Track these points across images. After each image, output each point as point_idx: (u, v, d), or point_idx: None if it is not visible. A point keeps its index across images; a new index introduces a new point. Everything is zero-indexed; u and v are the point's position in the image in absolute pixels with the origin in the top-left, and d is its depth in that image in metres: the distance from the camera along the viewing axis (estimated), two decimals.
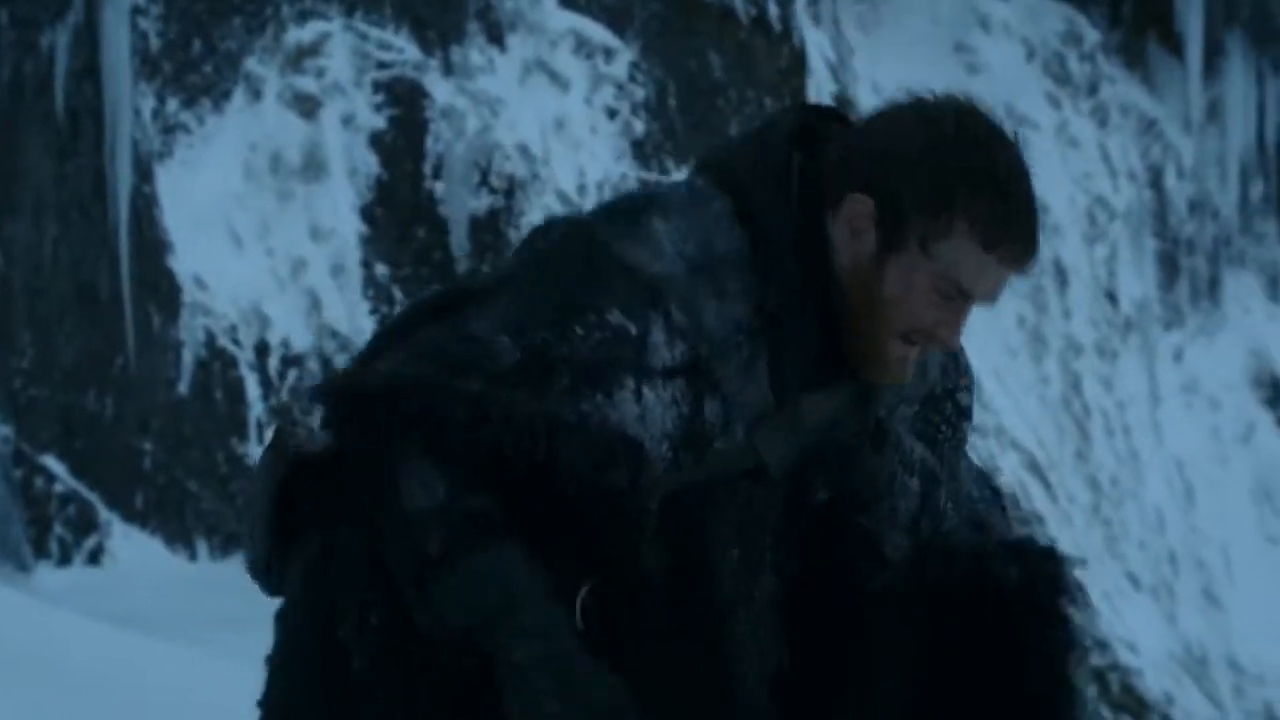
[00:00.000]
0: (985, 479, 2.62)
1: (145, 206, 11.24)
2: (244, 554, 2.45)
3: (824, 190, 2.38)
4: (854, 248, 2.37)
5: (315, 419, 2.32)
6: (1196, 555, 18.49)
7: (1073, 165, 17.74)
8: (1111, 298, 18.10)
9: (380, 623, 2.27)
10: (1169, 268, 19.28)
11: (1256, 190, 19.83)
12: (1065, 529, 15.44)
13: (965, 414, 2.55)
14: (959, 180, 2.34)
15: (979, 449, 12.92)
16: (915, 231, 2.35)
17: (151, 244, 11.28)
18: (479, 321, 2.31)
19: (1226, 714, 16.76)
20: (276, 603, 2.42)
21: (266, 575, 2.40)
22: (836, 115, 2.46)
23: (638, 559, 2.28)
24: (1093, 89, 18.00)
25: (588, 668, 2.25)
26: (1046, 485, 15.17)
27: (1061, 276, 17.27)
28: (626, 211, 2.38)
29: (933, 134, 2.35)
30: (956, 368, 2.55)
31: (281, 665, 2.36)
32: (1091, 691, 13.98)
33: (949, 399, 2.54)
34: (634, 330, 2.30)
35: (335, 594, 2.29)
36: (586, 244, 2.34)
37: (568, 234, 2.37)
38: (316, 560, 2.32)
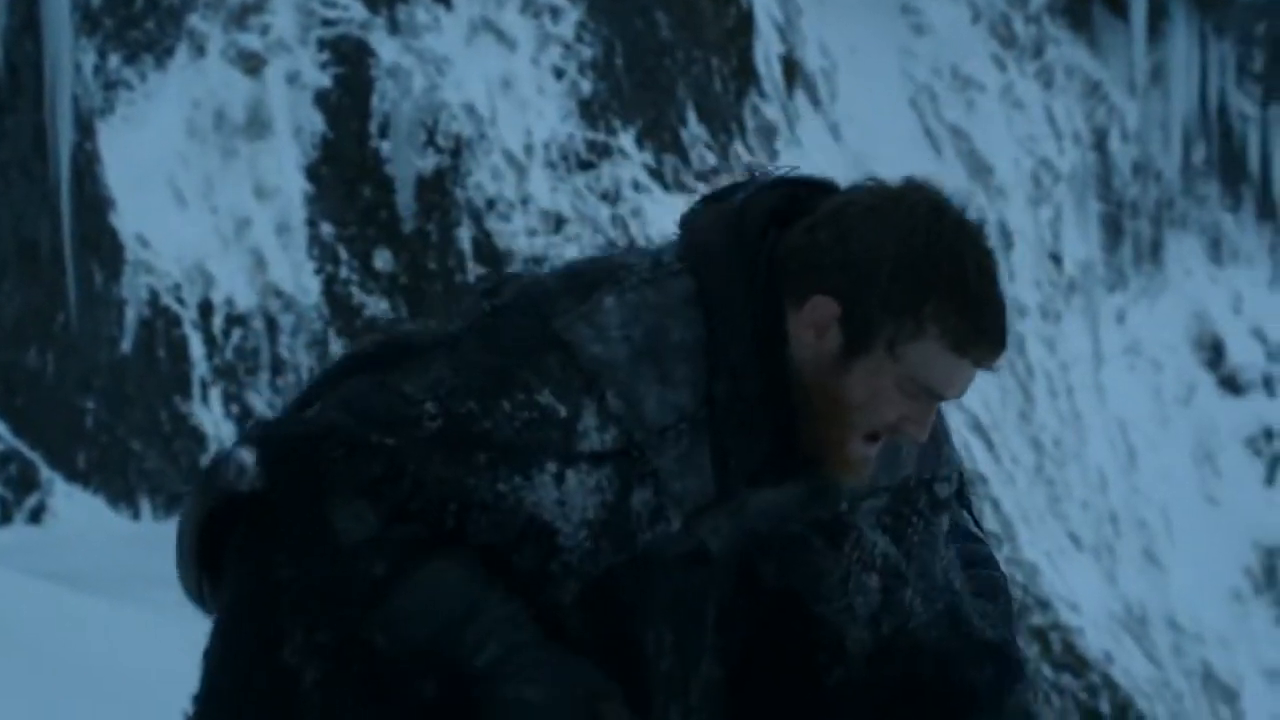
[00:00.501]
0: (981, 564, 2.50)
1: (87, 163, 11.17)
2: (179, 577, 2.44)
3: (788, 283, 2.33)
4: (817, 348, 2.33)
5: (245, 459, 2.31)
6: (1138, 515, 18.61)
7: (1018, 127, 17.79)
8: (1056, 259, 18.17)
9: (329, 640, 2.25)
10: (1112, 230, 19.36)
11: (1199, 153, 19.92)
12: (1008, 489, 15.52)
13: (942, 505, 2.46)
14: (930, 285, 2.31)
15: None
16: (883, 335, 2.32)
17: (93, 201, 11.21)
18: (410, 380, 2.29)
19: (1165, 672, 16.89)
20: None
21: (200, 602, 2.43)
22: (824, 188, 2.40)
23: (559, 635, 2.24)
24: (1038, 51, 18.04)
25: (562, 653, 2.24)
26: (990, 445, 15.24)
27: (1006, 239, 17.32)
28: (581, 284, 2.33)
29: (901, 237, 2.32)
30: (937, 457, 2.46)
31: (218, 696, 2.37)
32: (1033, 650, 14.07)
33: (924, 490, 2.45)
34: (563, 413, 2.26)
35: (276, 620, 2.28)
36: (530, 315, 2.30)
37: (515, 301, 2.33)
38: (252, 591, 2.32)
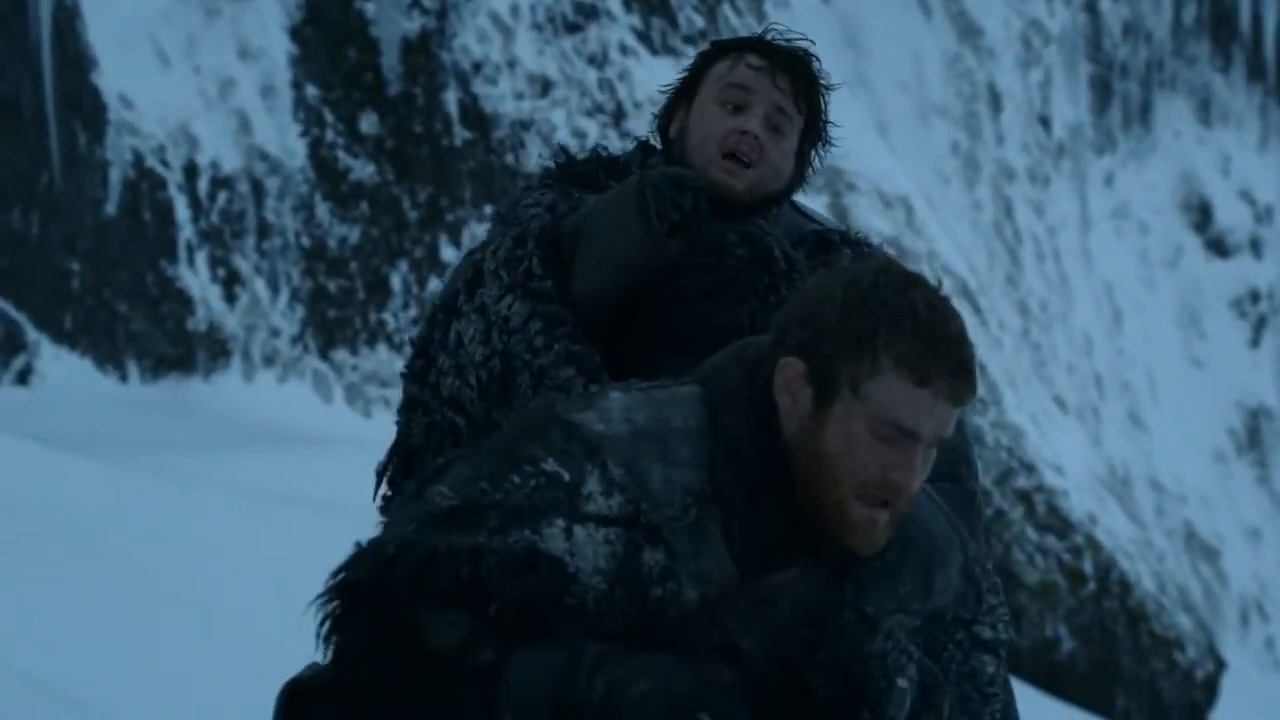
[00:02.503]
0: None
1: (67, 21, 11.07)
2: None
3: (765, 373, 2.41)
4: (794, 411, 2.38)
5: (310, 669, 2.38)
6: (1122, 378, 18.67)
7: None
8: (1044, 123, 18.10)
9: None
10: (1102, 92, 19.28)
11: (1189, 12, 19.80)
12: (994, 353, 15.56)
13: (984, 647, 2.50)
14: (879, 320, 2.36)
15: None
16: (844, 378, 2.36)
17: (75, 60, 11.12)
18: (432, 486, 2.40)
19: (1148, 533, 17.01)
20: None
21: None
22: None
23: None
24: None
25: (658, 656, 2.30)
26: (977, 310, 15.25)
27: (995, 101, 17.25)
28: (597, 390, 2.46)
29: (850, 286, 2.39)
30: (977, 600, 2.50)
31: None
32: (1017, 512, 14.16)
33: (962, 628, 2.49)
34: (568, 477, 2.34)
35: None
36: (538, 407, 2.43)
37: (534, 407, 2.46)
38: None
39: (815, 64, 3.04)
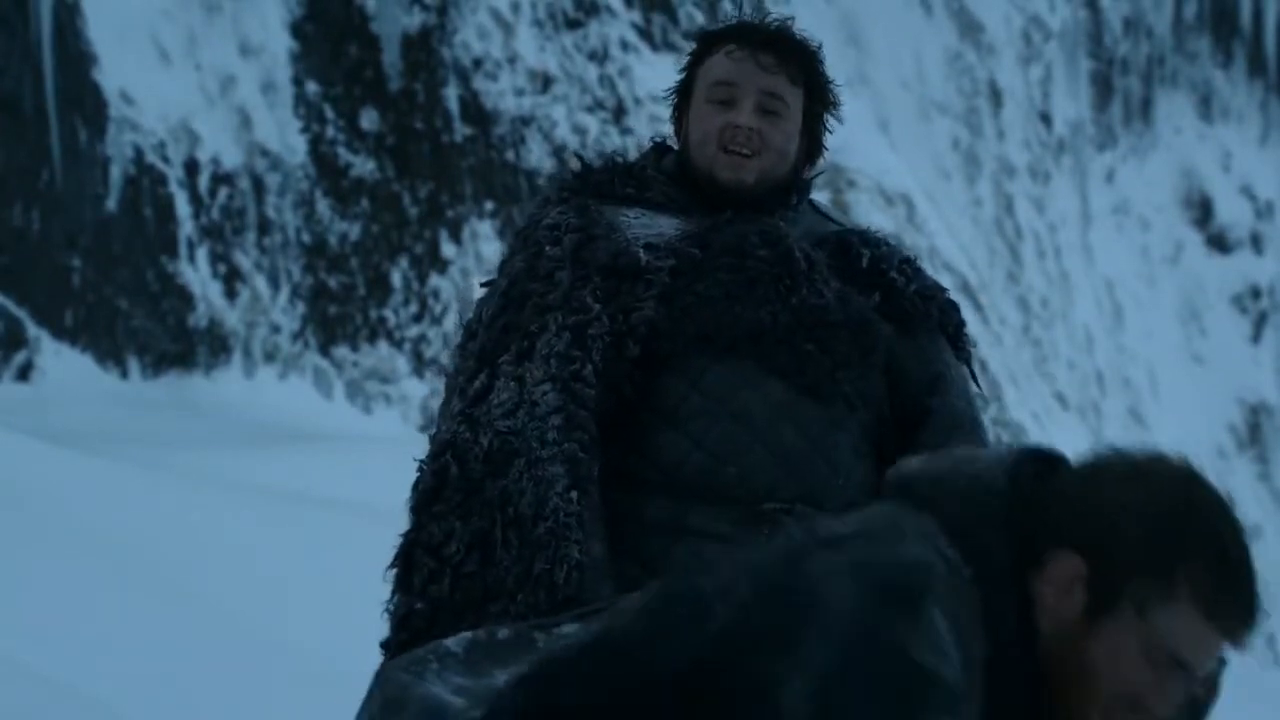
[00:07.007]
0: None
1: (68, 18, 11.08)
2: None
3: (1031, 548, 2.24)
4: (1059, 610, 2.24)
5: None
6: (1123, 374, 18.67)
7: None
8: (1045, 119, 18.10)
9: None
10: (1103, 88, 19.28)
11: (1190, 8, 19.80)
12: (995, 350, 15.57)
13: None
14: (1184, 544, 2.22)
15: None
16: (1132, 595, 2.22)
17: (76, 56, 11.13)
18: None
19: None
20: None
21: None
22: (1047, 459, 2.34)
23: None
24: None
25: None
26: (978, 307, 15.26)
27: (996, 98, 17.25)
28: (899, 589, 2.22)
29: (1155, 495, 2.23)
30: None
31: None
32: None
33: None
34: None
35: None
36: (895, 658, 2.20)
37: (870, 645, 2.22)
38: None
39: (797, 33, 3.03)
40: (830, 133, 3.07)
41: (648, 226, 3.01)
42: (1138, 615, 2.22)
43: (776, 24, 3.02)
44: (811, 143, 3.05)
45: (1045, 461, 2.33)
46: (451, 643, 2.51)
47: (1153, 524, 2.22)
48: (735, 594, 2.18)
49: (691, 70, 3.05)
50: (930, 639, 2.17)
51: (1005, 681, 2.21)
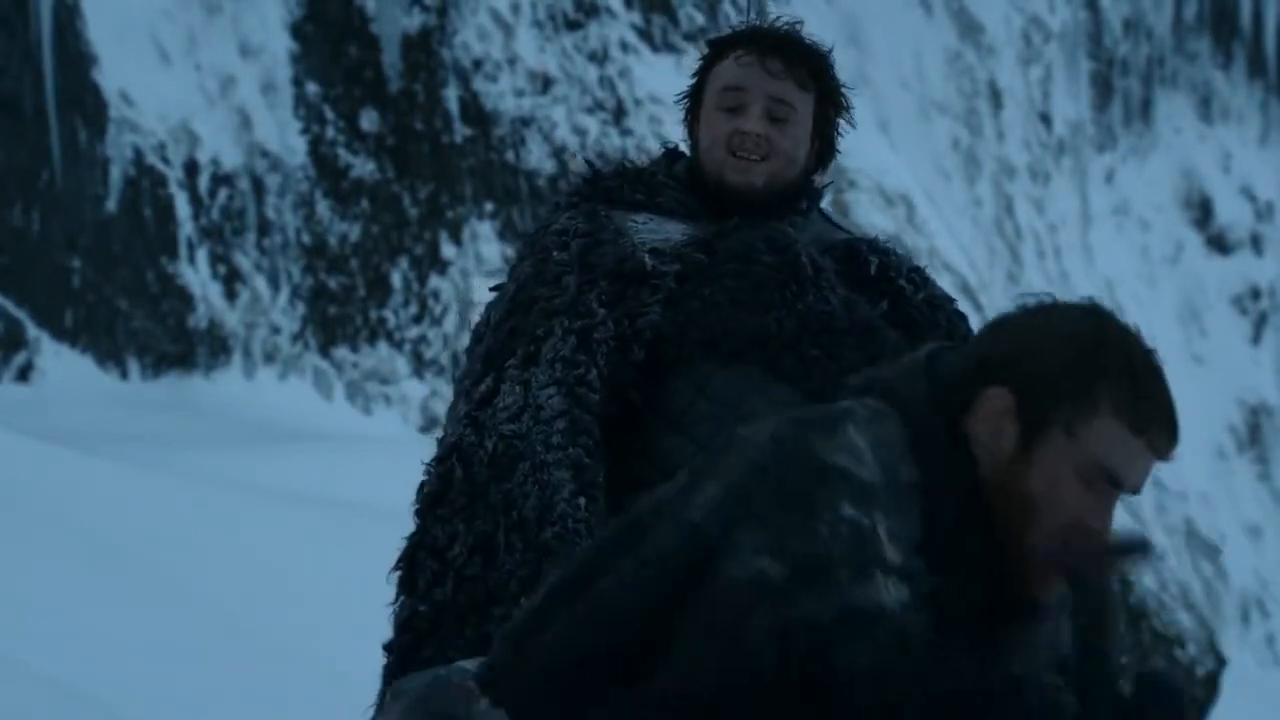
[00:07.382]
0: None
1: (68, 18, 11.08)
2: None
3: (959, 400, 2.36)
4: (995, 447, 2.34)
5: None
6: None
7: None
8: (1045, 119, 18.10)
9: None
10: (1103, 89, 19.28)
11: (1190, 9, 19.80)
12: None
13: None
14: (1099, 362, 2.35)
15: None
16: (1058, 418, 2.34)
17: (76, 57, 11.13)
18: (733, 559, 2.29)
19: (1149, 530, 17.01)
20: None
21: None
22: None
23: None
24: None
25: None
26: (978, 307, 15.25)
27: (996, 98, 17.25)
28: (821, 415, 2.36)
29: (1067, 323, 2.36)
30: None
31: None
32: None
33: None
34: (867, 523, 2.31)
35: None
36: (797, 446, 2.32)
37: (775, 438, 2.34)
38: None
39: (806, 38, 3.04)
40: (842, 136, 3.08)
41: (655, 232, 3.02)
42: (1067, 436, 2.33)
43: (785, 28, 3.04)
44: (823, 146, 3.06)
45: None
46: (467, 663, 2.54)
47: (1068, 348, 2.34)
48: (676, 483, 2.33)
49: (702, 75, 3.08)
50: (843, 446, 2.30)
51: (943, 508, 2.32)
